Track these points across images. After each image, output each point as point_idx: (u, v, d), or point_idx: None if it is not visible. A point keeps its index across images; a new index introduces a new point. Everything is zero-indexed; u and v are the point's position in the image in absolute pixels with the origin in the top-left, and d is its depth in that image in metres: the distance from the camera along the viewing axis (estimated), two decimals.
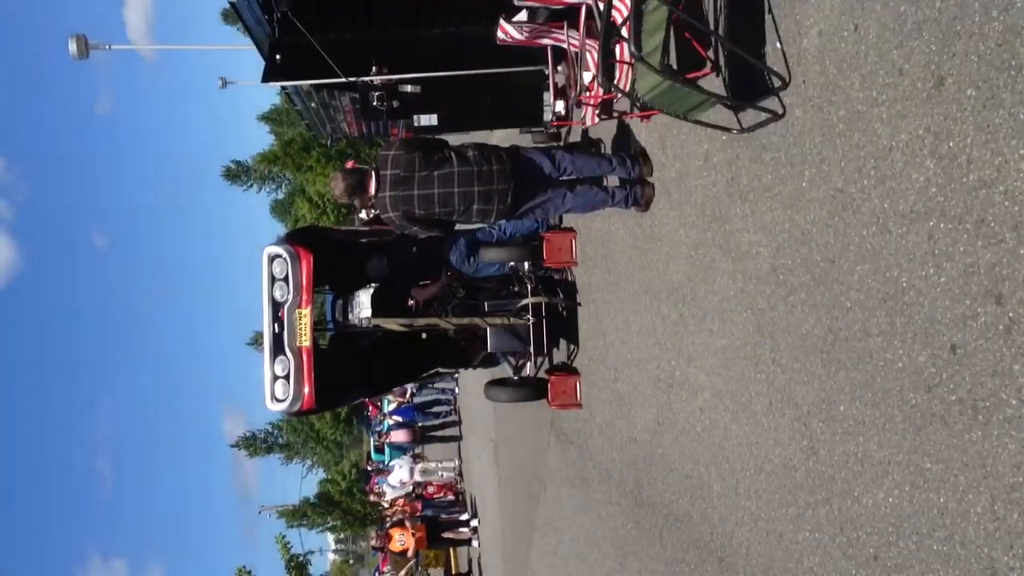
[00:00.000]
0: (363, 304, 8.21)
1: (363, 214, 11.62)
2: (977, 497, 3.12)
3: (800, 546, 4.39)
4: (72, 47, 13.60)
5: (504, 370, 9.47)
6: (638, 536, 6.91)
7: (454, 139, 7.23)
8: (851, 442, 3.92)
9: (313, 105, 9.83)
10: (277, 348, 7.36)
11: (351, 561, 76.13)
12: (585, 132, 8.12)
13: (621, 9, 5.29)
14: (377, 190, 6.27)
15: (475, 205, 6.24)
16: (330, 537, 69.78)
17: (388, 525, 19.67)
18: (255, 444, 73.15)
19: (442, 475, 21.95)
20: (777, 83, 4.47)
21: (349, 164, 7.40)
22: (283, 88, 9.37)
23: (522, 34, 6.77)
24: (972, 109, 3.11)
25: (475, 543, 18.93)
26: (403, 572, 18.72)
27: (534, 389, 8.86)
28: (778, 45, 4.51)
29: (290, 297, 7.34)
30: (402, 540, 17.82)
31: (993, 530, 3.04)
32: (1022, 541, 2.91)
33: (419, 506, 19.73)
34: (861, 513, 3.85)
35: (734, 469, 5.17)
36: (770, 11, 4.59)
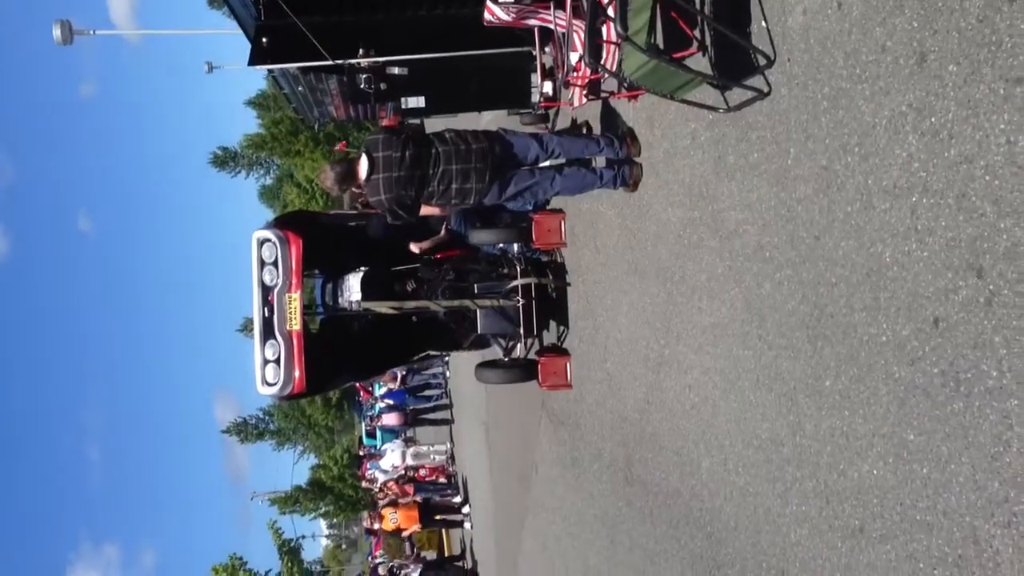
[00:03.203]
0: (353, 288, 8.23)
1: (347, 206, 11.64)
2: (959, 467, 3.17)
3: (787, 519, 4.45)
4: (56, 32, 13.52)
5: (495, 352, 9.51)
6: (629, 514, 6.97)
7: (442, 122, 7.24)
8: (836, 416, 3.97)
9: (300, 89, 9.81)
10: (267, 332, 7.39)
11: (344, 546, 76.40)
12: (573, 113, 8.14)
13: None
14: (370, 172, 6.28)
15: (454, 184, 6.27)
16: (322, 523, 70.01)
17: (380, 506, 19.76)
18: (246, 430, 73.20)
19: (434, 458, 22.04)
20: (762, 62, 4.50)
21: (340, 145, 7.41)
22: (270, 72, 9.35)
23: (509, 15, 6.78)
24: (953, 85, 3.15)
25: (467, 525, 19.04)
26: (398, 560, 18.83)
27: (524, 370, 8.90)
28: (763, 24, 4.54)
29: (280, 281, 7.36)
30: (394, 519, 17.91)
31: (975, 499, 3.09)
32: (1002, 509, 2.96)
33: (411, 489, 19.80)
34: (846, 486, 3.91)
35: (723, 445, 5.22)
36: None
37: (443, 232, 8.58)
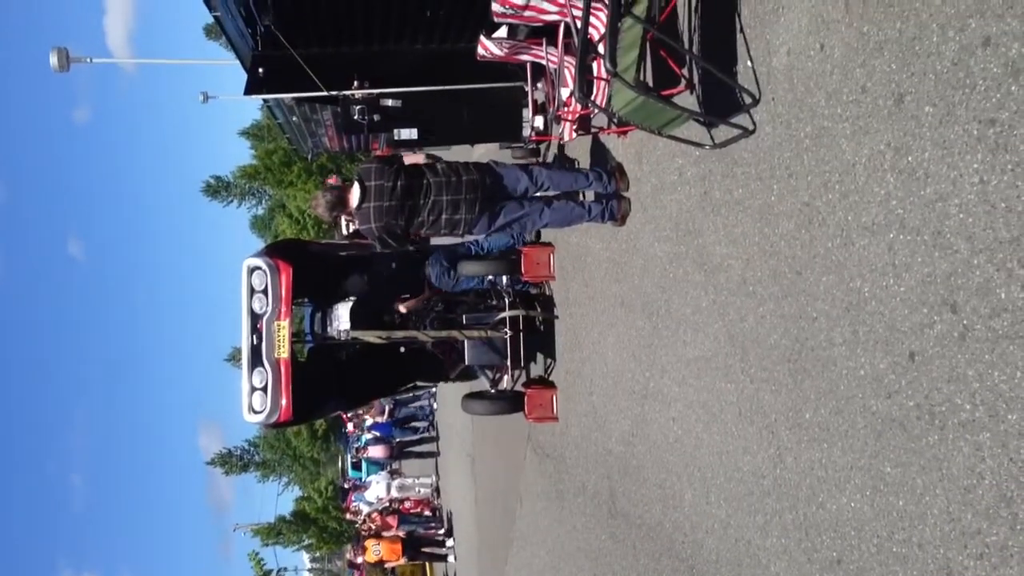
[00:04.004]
0: (342, 317, 8.27)
1: (344, 229, 11.68)
2: (934, 499, 3.22)
3: (767, 552, 4.49)
4: (53, 60, 13.59)
5: (482, 383, 9.54)
6: (612, 547, 6.98)
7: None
8: (816, 449, 4.02)
9: (295, 119, 9.91)
10: (255, 360, 7.41)
11: None
12: (563, 147, 8.24)
13: (598, 27, 5.42)
14: (361, 201, 6.35)
15: (444, 215, 6.35)
16: (305, 556, 69.27)
17: (364, 538, 19.64)
18: (231, 461, 72.61)
19: (419, 491, 21.93)
20: (748, 100, 4.60)
21: (332, 179, 7.49)
22: (265, 102, 9.45)
23: (502, 50, 6.89)
24: (930, 125, 3.24)
25: (451, 558, 18.93)
26: None
27: (511, 402, 8.92)
28: (749, 63, 4.65)
29: (269, 309, 7.39)
30: (377, 550, 17.79)
31: (949, 531, 3.15)
32: (975, 541, 3.01)
33: (394, 521, 19.69)
34: (825, 518, 3.95)
35: (705, 478, 5.26)
36: (742, 31, 4.72)
37: (427, 291, 8.63)
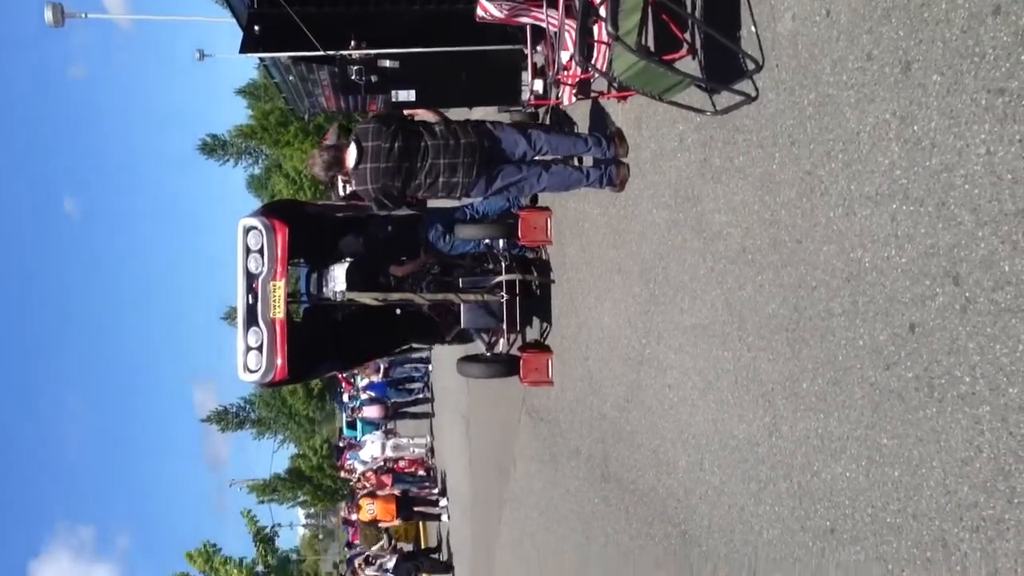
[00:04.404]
0: (337, 278, 8.23)
1: (341, 189, 11.61)
2: (930, 471, 3.22)
3: (760, 519, 4.51)
4: (48, 15, 13.47)
5: (477, 346, 9.53)
6: (605, 510, 7.02)
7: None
8: (812, 418, 4.02)
9: (291, 78, 9.79)
10: (251, 319, 7.39)
11: (320, 536, 76.25)
12: (562, 112, 8.17)
13: None
14: (358, 162, 6.30)
15: (441, 178, 6.30)
16: (300, 512, 69.86)
17: (358, 496, 19.76)
18: (227, 419, 72.92)
19: (414, 451, 22.04)
20: (751, 66, 4.54)
21: (327, 138, 7.41)
22: (261, 60, 9.33)
23: (501, 12, 6.80)
24: (937, 94, 3.20)
25: (444, 518, 19.07)
26: (375, 548, 18.84)
27: (506, 366, 8.93)
28: (753, 29, 4.58)
29: (264, 269, 7.36)
30: (371, 509, 17.89)
31: (944, 503, 3.15)
32: (971, 514, 3.02)
33: (389, 479, 19.80)
34: (819, 487, 3.96)
35: (699, 444, 5.27)
36: None
37: (423, 255, 8.58)
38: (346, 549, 25.57)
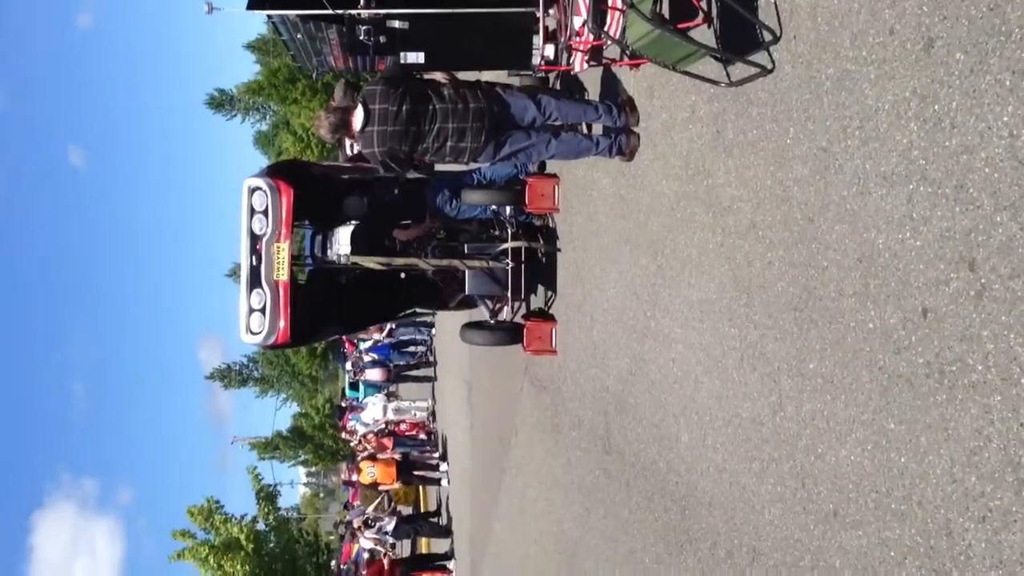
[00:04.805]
0: (342, 241, 8.18)
1: (348, 150, 11.51)
2: (937, 459, 3.17)
3: (762, 499, 4.47)
4: None
5: (481, 313, 9.49)
6: (605, 483, 7.00)
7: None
8: (818, 400, 3.96)
9: (299, 36, 9.65)
10: (254, 281, 7.35)
11: (321, 495, 76.94)
12: (573, 78, 8.05)
13: None
14: (365, 124, 6.22)
15: (449, 142, 6.22)
16: (301, 471, 70.39)
17: (359, 459, 19.82)
18: (230, 376, 73.36)
19: (415, 414, 22.09)
20: (768, 37, 4.43)
21: (335, 92, 7.31)
22: (269, 17, 9.20)
23: None
24: (959, 73, 3.10)
25: (444, 482, 19.14)
26: (372, 507, 18.92)
27: (510, 333, 8.89)
28: None
29: (269, 230, 7.30)
30: (372, 472, 17.96)
31: (951, 492, 3.09)
32: (978, 504, 2.96)
33: (389, 442, 19.86)
34: (823, 469, 3.91)
35: (702, 421, 5.23)
36: None
37: (428, 219, 8.50)
38: (344, 510, 25.69)
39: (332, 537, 33.21)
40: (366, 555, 19.15)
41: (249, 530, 25.29)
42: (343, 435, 28.27)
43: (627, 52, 5.53)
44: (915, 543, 3.27)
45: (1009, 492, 2.84)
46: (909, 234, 3.34)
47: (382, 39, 8.18)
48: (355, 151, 9.31)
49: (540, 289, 9.15)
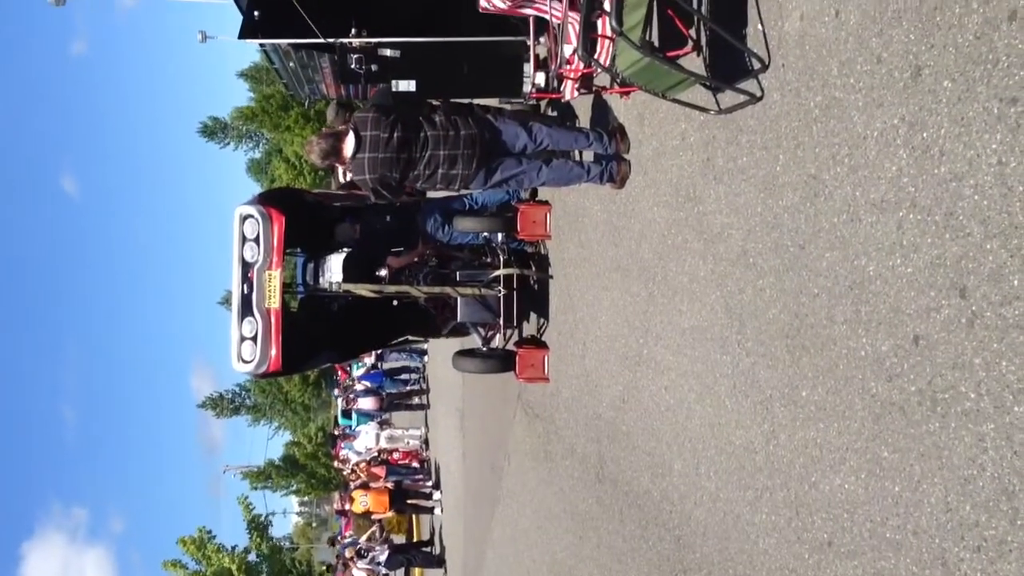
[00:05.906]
0: (334, 268, 8.17)
1: (341, 177, 11.54)
2: (931, 487, 3.14)
3: (756, 528, 4.43)
4: None
5: (473, 340, 9.46)
6: (598, 511, 6.95)
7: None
8: (811, 428, 3.94)
9: (291, 65, 9.70)
10: (246, 309, 7.32)
11: (314, 524, 76.36)
12: (564, 106, 8.07)
13: None
14: (356, 151, 6.22)
15: (440, 169, 6.22)
16: (294, 500, 69.92)
17: (351, 488, 19.71)
18: (222, 404, 72.91)
19: (408, 442, 21.98)
20: (757, 66, 4.45)
21: (327, 116, 7.34)
22: (261, 46, 9.23)
23: (504, 3, 6.69)
24: (947, 101, 3.11)
25: (437, 511, 19.02)
26: (365, 536, 18.77)
27: (502, 361, 8.85)
28: (759, 27, 4.49)
29: (260, 258, 7.27)
30: (364, 501, 17.86)
31: (945, 521, 3.07)
32: (973, 533, 2.94)
33: (382, 471, 19.75)
34: (817, 498, 3.88)
35: (695, 449, 5.19)
36: None
37: (420, 245, 8.50)
38: (331, 545, 25.45)
39: (324, 568, 32.97)
40: None
41: (241, 560, 25.10)
42: (336, 463, 28.12)
43: (617, 80, 5.55)
44: (911, 573, 3.24)
45: (1004, 521, 2.81)
46: (900, 261, 3.34)
47: (374, 67, 8.23)
48: (347, 178, 9.34)
49: (532, 316, 9.13)
